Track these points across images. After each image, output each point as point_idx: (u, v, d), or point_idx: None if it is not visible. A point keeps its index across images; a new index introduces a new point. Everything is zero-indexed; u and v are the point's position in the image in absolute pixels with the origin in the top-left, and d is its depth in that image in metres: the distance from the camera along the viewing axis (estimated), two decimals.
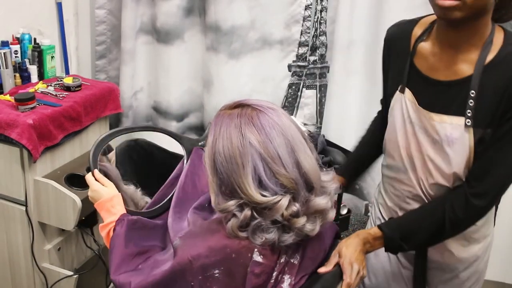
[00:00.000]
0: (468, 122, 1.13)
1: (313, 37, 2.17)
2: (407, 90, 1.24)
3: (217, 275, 1.03)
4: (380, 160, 1.44)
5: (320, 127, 2.27)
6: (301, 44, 2.18)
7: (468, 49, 1.14)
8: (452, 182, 1.20)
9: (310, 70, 2.22)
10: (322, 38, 2.17)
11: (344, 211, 2.09)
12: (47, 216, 1.81)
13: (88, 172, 1.35)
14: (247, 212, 1.01)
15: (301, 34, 2.16)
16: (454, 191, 1.20)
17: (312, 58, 2.21)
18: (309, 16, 2.14)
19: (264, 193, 1.00)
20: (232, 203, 1.01)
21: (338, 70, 2.16)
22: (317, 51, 2.20)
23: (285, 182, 1.00)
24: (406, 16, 1.94)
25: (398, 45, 1.29)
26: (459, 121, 1.15)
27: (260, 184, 1.00)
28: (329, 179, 1.11)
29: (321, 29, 2.16)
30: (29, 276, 1.90)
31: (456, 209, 1.17)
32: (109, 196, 1.28)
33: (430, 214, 1.22)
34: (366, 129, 1.54)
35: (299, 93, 2.25)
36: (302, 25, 2.15)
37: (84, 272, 1.95)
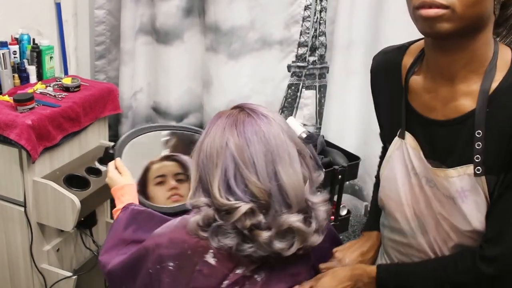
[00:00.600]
0: (478, 170, 0.91)
1: (312, 37, 2.17)
2: (408, 135, 1.02)
3: (170, 267, 1.04)
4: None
5: (320, 128, 2.27)
6: (300, 45, 2.18)
7: (467, 77, 0.92)
8: (477, 238, 0.97)
9: (310, 70, 2.22)
10: (322, 38, 2.17)
11: (343, 212, 2.08)
12: (46, 217, 1.81)
13: (101, 162, 1.37)
14: (210, 211, 1.00)
15: (301, 34, 2.16)
16: (465, 250, 0.98)
17: (311, 59, 2.20)
18: (309, 16, 2.14)
19: (229, 197, 0.98)
20: (202, 200, 1.01)
21: (337, 71, 2.16)
22: (317, 52, 2.19)
23: (255, 191, 0.97)
24: (406, 16, 1.93)
25: (387, 78, 1.09)
26: (467, 169, 0.92)
27: (228, 188, 0.98)
28: (319, 201, 1.04)
29: (320, 30, 2.15)
30: (28, 277, 1.90)
31: (459, 272, 0.96)
32: (121, 185, 1.33)
33: (432, 271, 1.02)
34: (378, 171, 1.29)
35: (298, 94, 2.25)
36: (302, 26, 2.15)
37: (83, 273, 1.95)
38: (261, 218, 0.98)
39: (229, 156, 0.99)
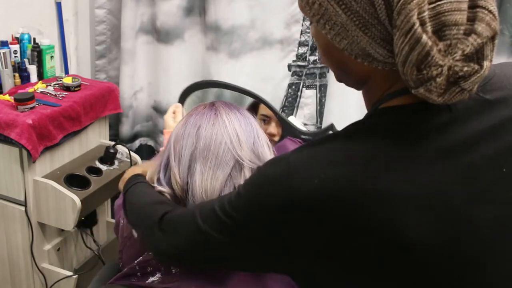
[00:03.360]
0: None
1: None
2: None
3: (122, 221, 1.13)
4: None
5: (320, 127, 2.27)
6: (301, 44, 2.17)
7: None
8: None
9: (310, 70, 2.22)
10: None
11: None
12: (47, 216, 1.81)
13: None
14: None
15: (301, 33, 2.16)
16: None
17: (312, 58, 2.20)
18: None
19: (156, 180, 1.03)
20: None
21: None
22: (317, 51, 2.19)
23: (173, 183, 0.99)
24: None
25: None
26: None
27: (159, 171, 1.03)
28: None
29: None
30: (29, 276, 1.90)
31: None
32: (168, 130, 1.39)
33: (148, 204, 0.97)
34: None
35: (299, 93, 2.25)
36: (302, 25, 2.15)
37: (83, 272, 1.95)
38: None
39: (169, 143, 1.03)
